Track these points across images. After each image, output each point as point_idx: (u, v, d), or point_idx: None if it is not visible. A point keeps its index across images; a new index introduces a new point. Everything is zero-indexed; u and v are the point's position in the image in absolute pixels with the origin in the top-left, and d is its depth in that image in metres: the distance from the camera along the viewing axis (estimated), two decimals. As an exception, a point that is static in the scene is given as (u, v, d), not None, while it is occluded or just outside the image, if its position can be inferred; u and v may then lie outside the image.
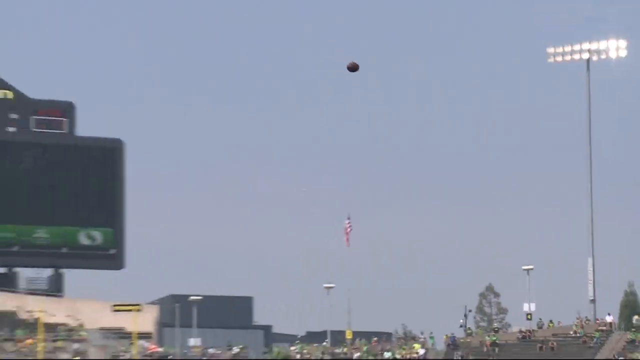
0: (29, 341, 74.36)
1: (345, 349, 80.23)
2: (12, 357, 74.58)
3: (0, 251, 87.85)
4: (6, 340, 76.03)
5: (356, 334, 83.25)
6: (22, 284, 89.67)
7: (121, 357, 76.25)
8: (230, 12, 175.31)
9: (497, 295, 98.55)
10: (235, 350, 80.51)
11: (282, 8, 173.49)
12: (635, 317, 77.80)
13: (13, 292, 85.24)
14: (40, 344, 70.47)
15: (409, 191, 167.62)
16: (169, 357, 77.39)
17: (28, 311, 79.18)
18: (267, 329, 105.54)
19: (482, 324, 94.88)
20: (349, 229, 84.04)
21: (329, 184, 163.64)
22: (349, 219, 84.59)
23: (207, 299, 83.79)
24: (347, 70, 23.98)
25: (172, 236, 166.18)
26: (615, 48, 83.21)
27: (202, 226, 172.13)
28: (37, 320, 72.31)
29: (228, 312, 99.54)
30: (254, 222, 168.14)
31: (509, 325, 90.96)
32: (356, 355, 79.04)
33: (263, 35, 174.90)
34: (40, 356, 70.12)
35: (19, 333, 76.84)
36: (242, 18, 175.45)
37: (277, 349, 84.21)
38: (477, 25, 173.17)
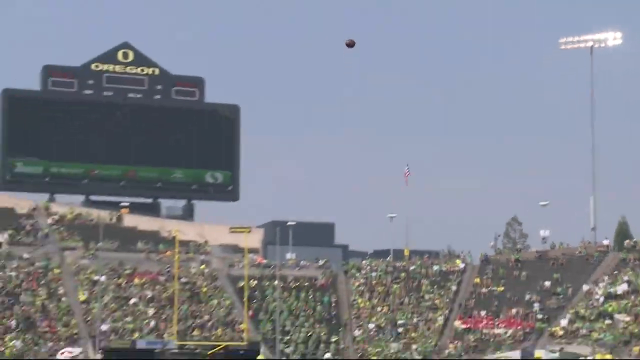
0: (168, 253, 74.70)
1: (403, 263, 79.26)
2: (156, 265, 74.65)
3: (147, 187, 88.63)
4: (151, 252, 76.53)
5: (412, 252, 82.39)
6: (163, 211, 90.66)
7: (236, 266, 75.80)
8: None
9: (519, 223, 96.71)
10: (321, 262, 79.93)
11: None
12: (626, 241, 75.35)
13: (156, 217, 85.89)
14: (176, 255, 70.32)
15: (452, 146, 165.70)
16: (271, 266, 76.59)
17: (167, 231, 79.58)
18: (344, 247, 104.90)
19: (508, 245, 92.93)
20: (407, 173, 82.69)
21: (391, 139, 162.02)
22: (407, 166, 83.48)
23: (300, 224, 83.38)
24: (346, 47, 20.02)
25: (275, 177, 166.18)
26: (613, 38, 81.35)
27: (296, 168, 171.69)
28: (174, 237, 72.35)
29: (315, 234, 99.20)
30: (335, 168, 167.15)
31: (529, 247, 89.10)
32: (412, 267, 77.93)
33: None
34: (176, 265, 69.84)
35: (161, 247, 77.34)
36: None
37: (351, 262, 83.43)
38: (504, 23, 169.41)
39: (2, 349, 61.84)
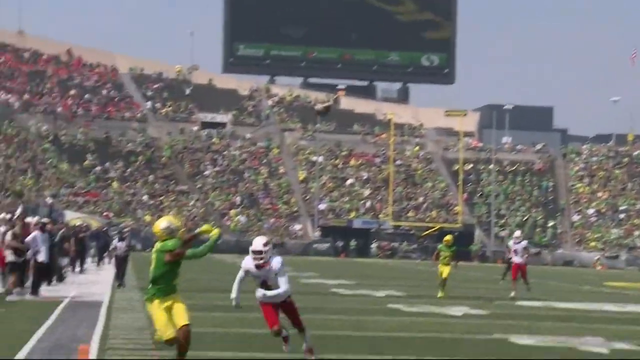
0: (383, 135, 75.06)
1: (627, 148, 76.26)
2: (372, 147, 75.16)
3: (363, 69, 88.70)
4: (367, 134, 77.24)
5: (637, 137, 78.62)
6: (378, 94, 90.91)
7: (450, 150, 75.28)
8: None
9: None
10: (538, 147, 77.82)
11: None
12: None
13: (372, 99, 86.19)
14: (391, 138, 70.61)
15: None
16: (486, 150, 75.33)
17: (383, 114, 79.74)
18: (563, 131, 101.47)
19: None
20: (634, 55, 78.89)
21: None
22: (635, 48, 79.50)
23: (518, 107, 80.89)
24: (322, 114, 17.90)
25: (492, 59, 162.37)
26: None
27: (513, 50, 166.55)
28: (389, 120, 72.50)
29: (533, 118, 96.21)
30: (554, 49, 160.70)
31: None
32: (635, 152, 75.04)
33: None
34: (391, 147, 70.24)
35: (376, 129, 77.79)
36: None
37: (570, 146, 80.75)
38: None
39: (228, 223, 65.23)
